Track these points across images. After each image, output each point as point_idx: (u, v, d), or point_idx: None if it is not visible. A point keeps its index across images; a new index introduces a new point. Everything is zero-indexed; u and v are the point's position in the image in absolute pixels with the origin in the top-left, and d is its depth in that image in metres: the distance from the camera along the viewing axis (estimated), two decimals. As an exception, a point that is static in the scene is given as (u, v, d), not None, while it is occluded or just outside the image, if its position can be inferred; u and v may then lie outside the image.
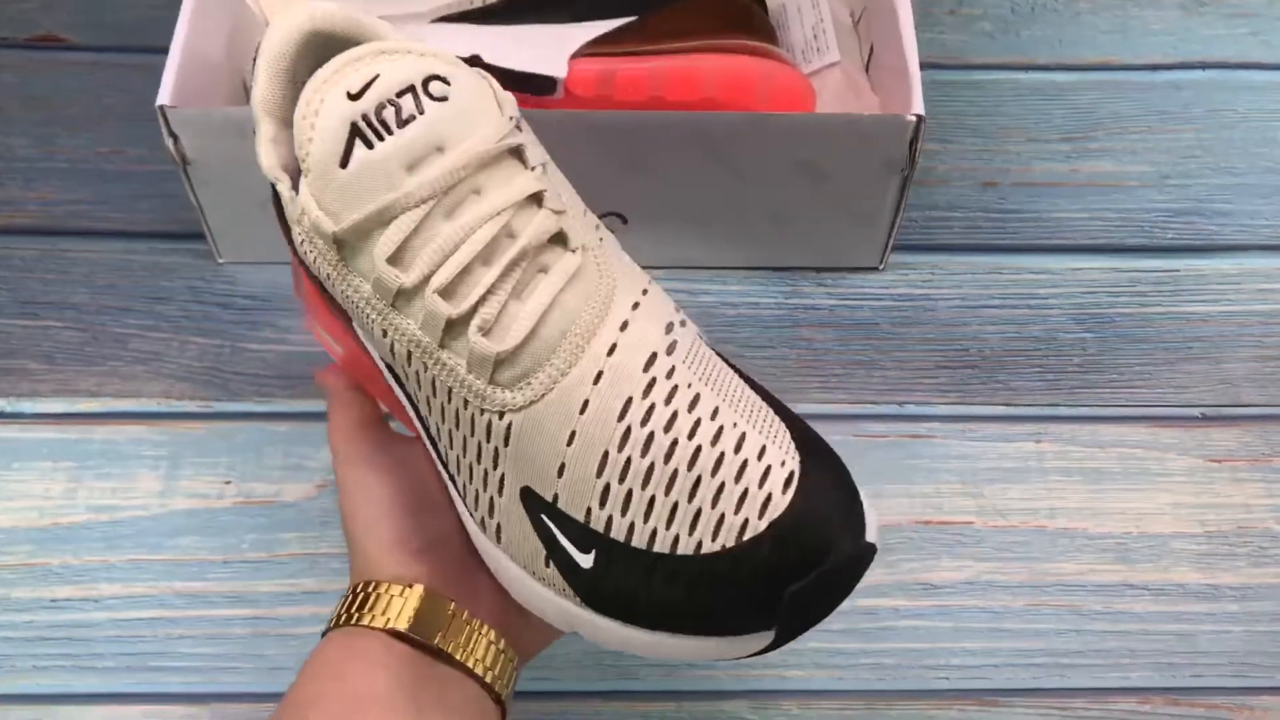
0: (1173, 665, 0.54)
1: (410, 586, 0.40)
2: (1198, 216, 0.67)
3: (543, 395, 0.35)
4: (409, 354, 0.36)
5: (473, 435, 0.36)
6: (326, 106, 0.34)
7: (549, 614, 0.38)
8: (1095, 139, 0.70)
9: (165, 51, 0.56)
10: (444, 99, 0.35)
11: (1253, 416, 0.61)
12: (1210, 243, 0.66)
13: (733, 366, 0.38)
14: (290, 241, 0.37)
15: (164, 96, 0.55)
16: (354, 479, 0.43)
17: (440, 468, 0.40)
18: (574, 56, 0.60)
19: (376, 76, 0.34)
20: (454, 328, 0.35)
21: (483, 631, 0.40)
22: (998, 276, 0.65)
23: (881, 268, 0.64)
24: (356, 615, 0.40)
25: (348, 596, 0.41)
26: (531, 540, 0.36)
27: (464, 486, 0.38)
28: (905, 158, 0.58)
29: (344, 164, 0.34)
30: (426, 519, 0.42)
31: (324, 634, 0.41)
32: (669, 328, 0.37)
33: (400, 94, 0.34)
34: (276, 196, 0.37)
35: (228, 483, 0.57)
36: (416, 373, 0.36)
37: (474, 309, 0.35)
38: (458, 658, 0.39)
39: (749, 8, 0.64)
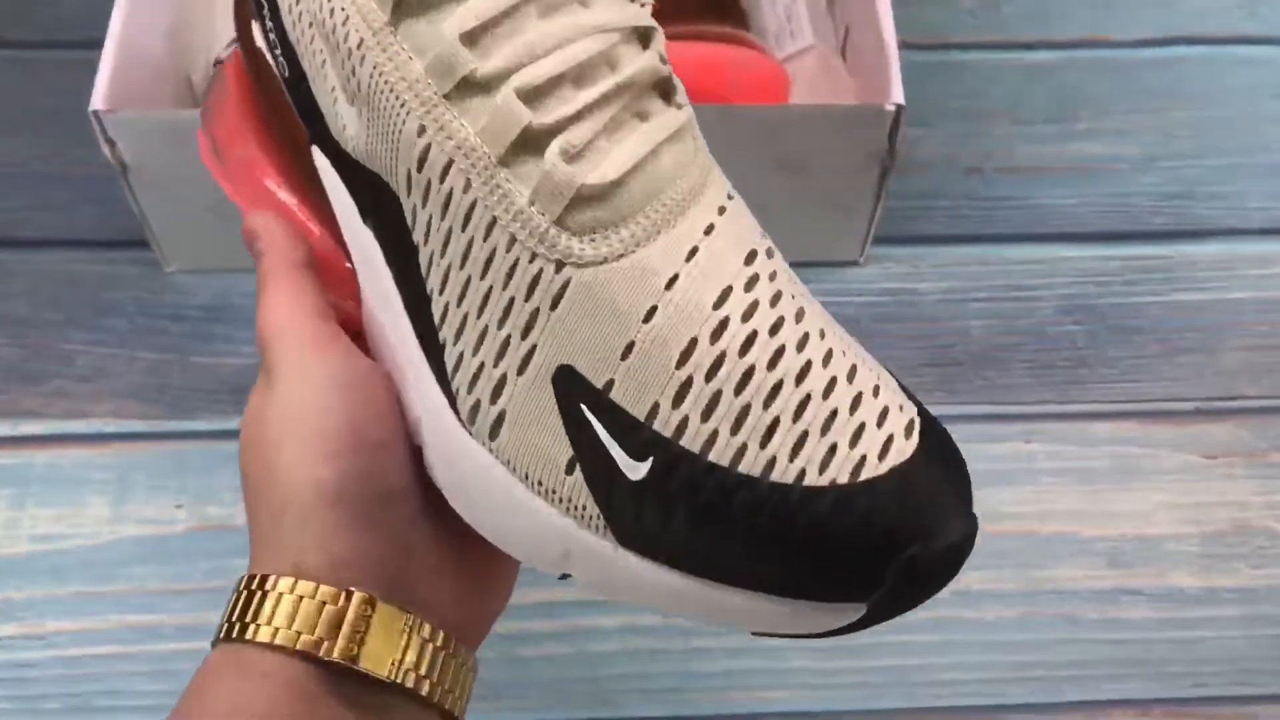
0: (1172, 675, 0.52)
1: (347, 595, 0.30)
2: (1188, 200, 0.65)
3: (620, 256, 0.28)
4: (448, 163, 0.28)
5: (505, 289, 0.28)
6: None
7: (539, 545, 0.29)
8: (1081, 120, 0.67)
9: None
10: None
11: (1248, 410, 0.59)
12: (1202, 227, 0.64)
13: None
14: (251, 30, 0.32)
15: (98, 100, 0.52)
16: (300, 372, 0.32)
17: (411, 344, 0.31)
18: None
19: None
20: (528, 143, 0.28)
21: (437, 641, 0.31)
22: (983, 268, 0.62)
23: (861, 261, 0.62)
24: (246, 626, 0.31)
25: (240, 593, 0.31)
26: (552, 437, 0.28)
27: (459, 359, 0.30)
28: (885, 150, 0.55)
29: None
30: (378, 460, 0.32)
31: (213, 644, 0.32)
32: (762, 234, 0.31)
33: None
34: None
35: (179, 507, 0.54)
36: (449, 192, 0.28)
37: (559, 127, 0.28)
38: (397, 681, 0.31)
39: (718, -9, 0.61)
